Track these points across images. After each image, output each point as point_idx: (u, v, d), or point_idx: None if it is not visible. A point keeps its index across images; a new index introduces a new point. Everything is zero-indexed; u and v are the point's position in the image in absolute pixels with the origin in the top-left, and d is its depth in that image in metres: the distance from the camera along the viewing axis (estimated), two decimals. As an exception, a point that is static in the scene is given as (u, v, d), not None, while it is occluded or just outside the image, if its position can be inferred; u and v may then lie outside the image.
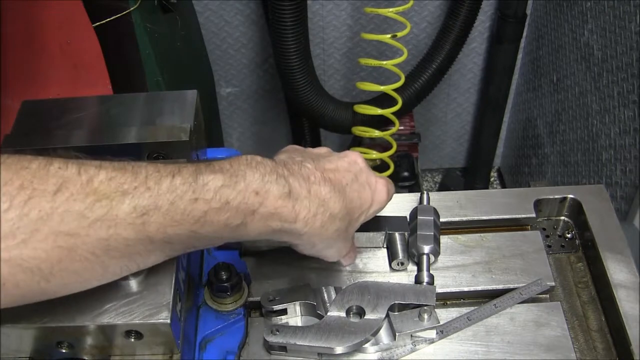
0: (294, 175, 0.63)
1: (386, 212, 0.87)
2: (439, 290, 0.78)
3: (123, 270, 0.59)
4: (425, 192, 0.87)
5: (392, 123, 1.69)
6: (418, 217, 0.84)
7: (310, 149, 0.73)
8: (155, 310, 0.63)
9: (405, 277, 0.82)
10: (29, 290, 0.53)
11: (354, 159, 0.70)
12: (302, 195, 0.62)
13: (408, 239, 0.83)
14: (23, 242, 0.51)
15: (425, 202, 0.87)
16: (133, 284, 0.64)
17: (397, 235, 0.82)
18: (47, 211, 0.51)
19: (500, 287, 0.80)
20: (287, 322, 0.77)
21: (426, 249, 0.81)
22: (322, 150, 0.73)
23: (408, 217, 0.86)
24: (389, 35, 1.51)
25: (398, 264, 0.82)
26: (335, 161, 0.69)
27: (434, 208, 0.85)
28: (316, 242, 0.67)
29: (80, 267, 0.54)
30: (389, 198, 0.73)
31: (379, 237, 0.83)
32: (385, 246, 0.84)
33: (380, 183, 0.71)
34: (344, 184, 0.67)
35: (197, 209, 0.57)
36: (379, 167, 1.82)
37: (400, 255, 0.81)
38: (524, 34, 1.83)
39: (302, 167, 0.65)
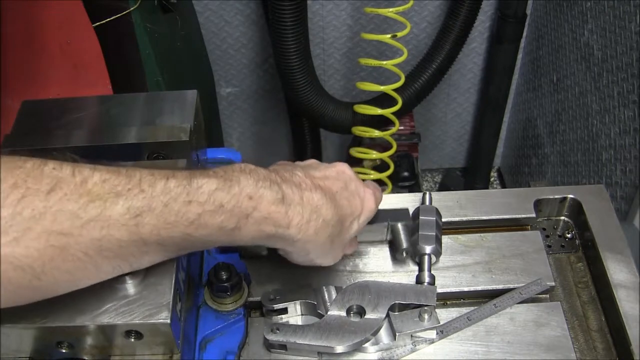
0: (286, 182, 0.64)
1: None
2: (439, 290, 0.78)
3: (115, 270, 0.59)
4: (427, 192, 0.87)
5: (392, 123, 1.69)
6: (420, 217, 0.84)
7: (298, 162, 0.74)
8: (155, 310, 0.63)
9: (406, 277, 0.82)
10: (21, 287, 0.54)
11: (342, 169, 0.72)
12: (295, 202, 0.63)
13: (411, 232, 0.82)
14: (15, 240, 0.51)
15: (427, 202, 0.86)
16: (133, 284, 0.64)
17: (399, 226, 0.82)
18: (40, 210, 0.52)
19: (500, 287, 0.80)
20: (287, 321, 0.77)
21: (428, 249, 0.81)
22: (310, 161, 0.74)
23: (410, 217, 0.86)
24: (389, 35, 1.51)
25: (403, 253, 0.81)
26: (324, 170, 0.71)
27: (436, 208, 0.85)
28: (310, 249, 0.67)
29: (72, 267, 0.55)
30: (377, 206, 0.75)
31: (382, 228, 0.82)
32: (388, 239, 0.84)
33: (367, 192, 0.73)
34: (334, 191, 0.68)
35: (191, 211, 0.57)
36: (379, 167, 1.82)
37: (405, 244, 0.81)
38: (524, 34, 1.83)
39: (293, 175, 0.66)
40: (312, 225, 0.64)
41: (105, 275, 0.59)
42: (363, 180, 0.75)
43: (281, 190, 0.62)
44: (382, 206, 0.77)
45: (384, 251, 0.84)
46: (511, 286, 0.80)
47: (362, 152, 1.79)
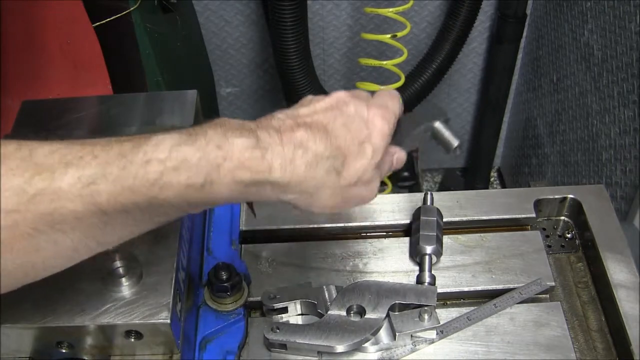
0: (262, 127, 0.58)
1: (386, 211, 0.88)
2: (439, 290, 0.78)
3: (81, 246, 0.54)
4: (429, 192, 0.87)
5: (392, 123, 1.69)
6: (421, 217, 0.84)
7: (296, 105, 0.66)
8: (155, 310, 0.63)
9: (406, 277, 0.82)
10: None
11: (337, 95, 0.65)
12: (273, 144, 0.57)
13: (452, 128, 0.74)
14: None
15: (428, 203, 0.86)
16: (133, 284, 0.64)
17: (438, 124, 0.73)
18: None
19: (500, 287, 0.80)
20: (287, 321, 0.77)
21: (428, 249, 0.81)
22: (305, 98, 0.66)
23: (411, 217, 0.86)
24: (389, 35, 1.51)
25: (457, 150, 0.72)
26: (314, 104, 0.64)
27: (437, 209, 0.85)
28: (311, 190, 0.60)
29: (26, 245, 0.51)
30: (390, 123, 0.65)
31: (420, 133, 0.73)
32: (431, 139, 0.75)
33: (372, 111, 0.64)
34: (325, 122, 0.61)
35: (151, 171, 0.52)
36: (379, 167, 1.82)
37: (455, 141, 0.72)
38: (524, 34, 1.83)
39: (272, 119, 0.61)
40: (300, 162, 0.58)
41: (68, 252, 0.54)
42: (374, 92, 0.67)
43: (255, 135, 0.57)
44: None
45: (384, 251, 0.84)
46: (511, 286, 0.80)
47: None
